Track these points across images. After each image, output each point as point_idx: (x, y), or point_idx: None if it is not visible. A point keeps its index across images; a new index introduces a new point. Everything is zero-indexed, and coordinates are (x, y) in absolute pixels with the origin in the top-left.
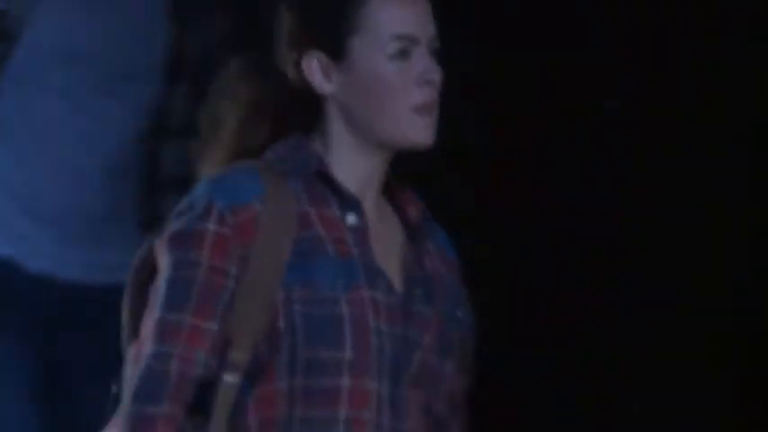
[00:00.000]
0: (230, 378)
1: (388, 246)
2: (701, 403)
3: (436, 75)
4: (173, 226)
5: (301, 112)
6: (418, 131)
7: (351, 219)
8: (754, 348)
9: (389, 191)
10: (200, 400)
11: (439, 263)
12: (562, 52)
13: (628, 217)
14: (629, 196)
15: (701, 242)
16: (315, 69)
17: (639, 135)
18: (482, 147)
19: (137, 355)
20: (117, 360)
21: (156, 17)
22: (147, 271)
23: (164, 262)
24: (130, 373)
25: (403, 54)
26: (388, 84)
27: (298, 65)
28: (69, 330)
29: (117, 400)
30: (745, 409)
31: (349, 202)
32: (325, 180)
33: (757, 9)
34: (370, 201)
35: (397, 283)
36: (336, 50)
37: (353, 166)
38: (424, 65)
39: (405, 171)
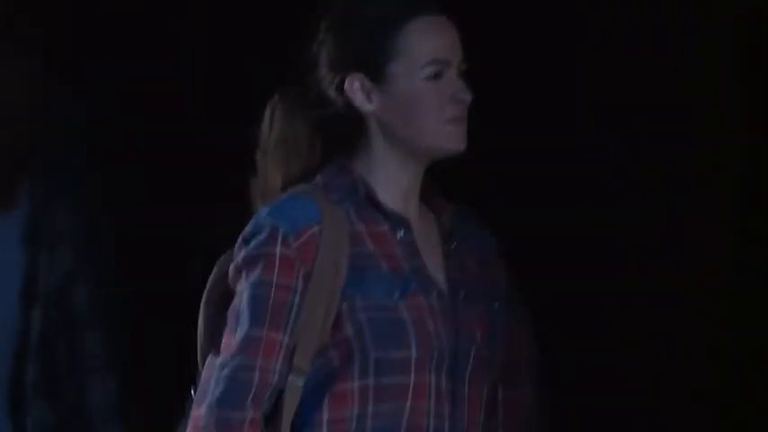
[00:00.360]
0: (296, 381)
1: (431, 249)
2: (700, 404)
3: (467, 95)
4: (243, 252)
5: (344, 132)
6: (452, 140)
7: (400, 234)
8: (754, 349)
9: (426, 197)
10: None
11: (475, 261)
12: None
13: (629, 219)
14: (629, 197)
15: (702, 243)
16: (356, 90)
17: (638, 139)
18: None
19: (214, 364)
20: None
21: (11, 247)
22: (219, 291)
23: (240, 284)
24: (206, 376)
25: (437, 76)
26: (425, 102)
27: (340, 87)
28: None
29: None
30: (746, 409)
31: (396, 221)
32: (372, 203)
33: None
34: (413, 208)
35: (443, 285)
36: (377, 74)
37: (396, 179)
38: (456, 85)
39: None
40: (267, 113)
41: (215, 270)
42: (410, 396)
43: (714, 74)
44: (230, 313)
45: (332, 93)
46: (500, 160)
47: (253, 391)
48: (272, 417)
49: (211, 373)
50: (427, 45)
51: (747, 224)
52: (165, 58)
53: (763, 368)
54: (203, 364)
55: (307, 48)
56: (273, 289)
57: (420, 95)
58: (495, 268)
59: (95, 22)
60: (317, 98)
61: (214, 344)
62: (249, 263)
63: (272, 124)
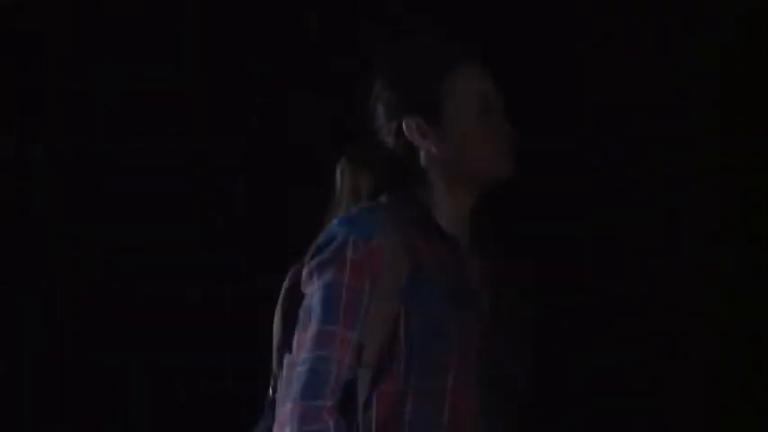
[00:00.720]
0: (365, 374)
1: (476, 270)
2: (700, 404)
3: (510, 126)
4: (318, 257)
5: (401, 170)
6: (504, 166)
7: (453, 255)
8: (754, 349)
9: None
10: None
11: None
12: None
13: (629, 219)
14: (629, 197)
15: (702, 243)
16: (414, 132)
17: (638, 139)
18: None
19: (293, 362)
20: None
21: None
22: (295, 294)
23: (313, 285)
24: (288, 375)
25: (486, 111)
26: (479, 135)
27: (398, 130)
28: None
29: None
30: (746, 409)
31: (450, 244)
32: (431, 225)
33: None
34: (465, 231)
35: (486, 304)
36: (433, 116)
37: (450, 207)
38: (501, 118)
39: None
40: (338, 172)
41: (288, 279)
42: (447, 400)
43: (714, 74)
44: (303, 312)
45: (390, 138)
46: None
47: (331, 381)
48: (347, 408)
49: (292, 373)
50: (476, 85)
51: (747, 224)
52: (165, 58)
53: (763, 368)
54: (279, 364)
55: (362, 104)
56: (345, 290)
57: (474, 130)
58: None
59: (95, 22)
60: (376, 147)
61: (288, 345)
62: (322, 267)
63: (343, 180)
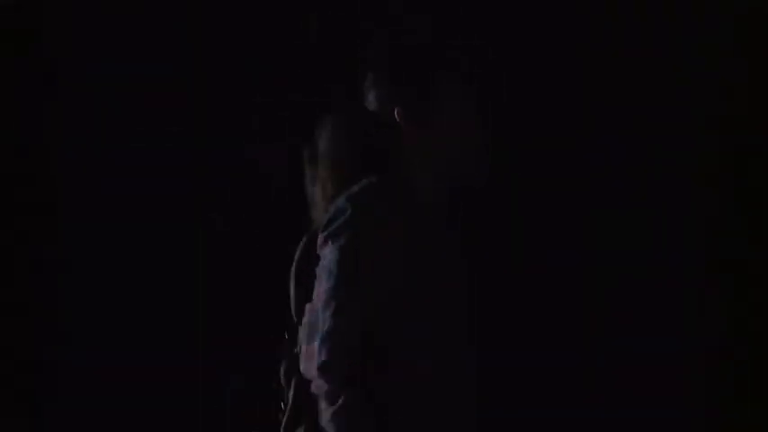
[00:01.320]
0: (367, 339)
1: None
2: (700, 403)
3: (489, 128)
4: (331, 227)
5: (386, 151)
6: (481, 172)
7: (437, 229)
8: (754, 349)
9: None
10: None
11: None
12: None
13: (629, 219)
14: (629, 197)
15: (702, 243)
16: (403, 119)
17: (638, 139)
18: None
19: (315, 309)
20: None
21: None
22: (308, 257)
23: (327, 249)
24: (311, 320)
25: (466, 111)
26: (460, 132)
27: (390, 115)
28: None
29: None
30: (745, 408)
31: (435, 218)
32: (418, 205)
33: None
34: (442, 208)
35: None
36: (421, 113)
37: (428, 189)
38: (482, 127)
39: None
40: (321, 135)
41: (300, 247)
42: (449, 366)
43: (714, 74)
44: (321, 271)
45: (383, 119)
46: (500, 160)
47: (351, 325)
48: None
49: (315, 317)
50: (461, 89)
51: (747, 224)
52: (165, 58)
53: (762, 368)
54: (297, 314)
55: (353, 88)
56: (357, 255)
57: (455, 126)
58: None
59: (95, 22)
60: (366, 129)
61: (307, 297)
62: (335, 235)
63: (325, 145)
